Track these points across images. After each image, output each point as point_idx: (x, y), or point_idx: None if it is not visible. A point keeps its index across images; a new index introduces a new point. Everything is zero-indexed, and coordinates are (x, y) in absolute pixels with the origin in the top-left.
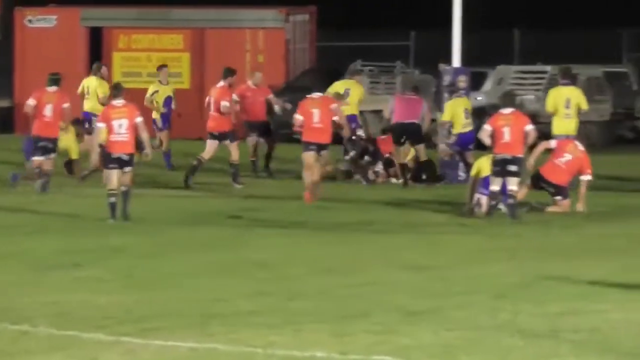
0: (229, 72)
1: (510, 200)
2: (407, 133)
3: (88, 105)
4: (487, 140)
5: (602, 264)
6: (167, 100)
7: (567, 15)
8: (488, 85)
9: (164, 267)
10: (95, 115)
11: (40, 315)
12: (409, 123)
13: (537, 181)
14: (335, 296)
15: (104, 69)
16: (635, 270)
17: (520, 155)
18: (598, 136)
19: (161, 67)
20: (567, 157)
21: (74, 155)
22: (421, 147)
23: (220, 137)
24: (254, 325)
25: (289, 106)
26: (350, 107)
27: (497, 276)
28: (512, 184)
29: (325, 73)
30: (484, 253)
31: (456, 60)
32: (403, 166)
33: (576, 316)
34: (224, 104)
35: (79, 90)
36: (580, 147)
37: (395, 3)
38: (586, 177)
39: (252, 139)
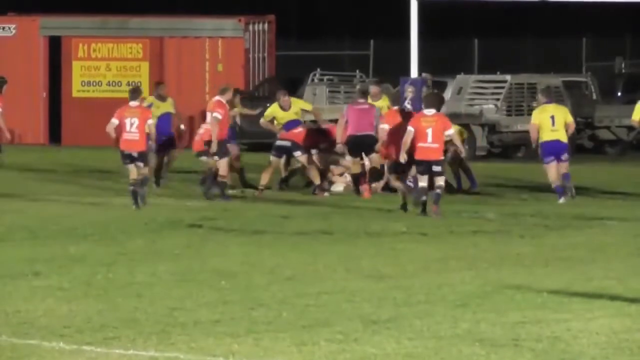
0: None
1: (438, 190)
2: (363, 146)
3: None
4: (408, 142)
5: (562, 274)
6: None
7: (527, 24)
8: (447, 94)
9: (123, 275)
10: None
11: (2, 324)
12: (364, 135)
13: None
14: (296, 305)
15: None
16: (595, 280)
17: (442, 157)
18: None
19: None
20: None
21: None
22: (375, 156)
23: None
24: (216, 334)
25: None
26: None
27: (458, 285)
28: (440, 181)
29: (284, 82)
30: (443, 262)
31: (414, 71)
32: (356, 176)
33: (537, 325)
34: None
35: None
36: None
37: (355, 12)
38: None
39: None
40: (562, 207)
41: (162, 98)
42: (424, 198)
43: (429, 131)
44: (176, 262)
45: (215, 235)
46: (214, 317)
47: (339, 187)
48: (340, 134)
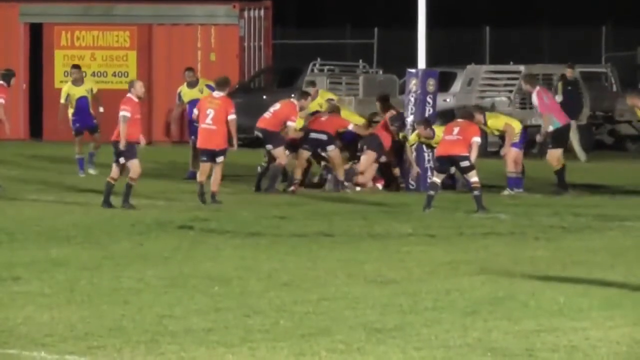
0: None
1: (476, 192)
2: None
3: None
4: None
5: (580, 279)
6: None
7: (542, 11)
8: (457, 86)
9: (109, 281)
10: None
11: None
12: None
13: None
14: (294, 312)
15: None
16: (615, 286)
17: (467, 154)
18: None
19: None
20: None
21: None
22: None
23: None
24: (208, 343)
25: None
26: None
27: (468, 291)
28: (473, 177)
29: (282, 73)
30: (452, 266)
31: (421, 62)
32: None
33: (553, 334)
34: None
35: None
36: None
37: None
38: None
39: None
40: (579, 208)
41: (191, 85)
42: (431, 192)
43: (456, 129)
44: (165, 267)
45: (208, 238)
46: (206, 325)
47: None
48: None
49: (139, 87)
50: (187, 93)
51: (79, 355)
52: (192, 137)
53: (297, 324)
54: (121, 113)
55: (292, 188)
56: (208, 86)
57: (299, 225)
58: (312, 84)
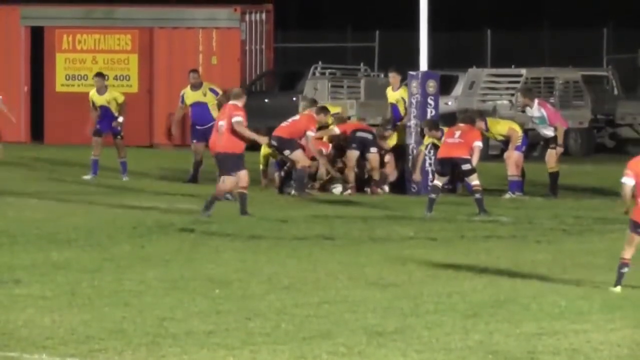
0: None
1: (477, 195)
2: None
3: None
4: None
5: (581, 282)
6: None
7: (543, 14)
8: (459, 89)
9: (110, 283)
10: None
11: None
12: None
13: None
14: (295, 315)
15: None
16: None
17: (468, 156)
18: (577, 144)
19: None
20: None
21: None
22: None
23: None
24: (209, 345)
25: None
26: None
27: (469, 294)
28: (474, 180)
29: (283, 76)
30: (454, 269)
31: (423, 64)
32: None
33: (554, 337)
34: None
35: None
36: None
37: (359, 1)
38: None
39: None
40: (580, 210)
41: (195, 87)
42: (432, 196)
43: (458, 132)
44: (166, 269)
45: (209, 240)
46: (207, 328)
47: (338, 188)
48: None
49: (245, 98)
50: (190, 95)
51: (80, 358)
52: (194, 140)
53: (298, 327)
54: (235, 119)
55: (348, 191)
56: (212, 90)
57: (300, 229)
58: (321, 108)
